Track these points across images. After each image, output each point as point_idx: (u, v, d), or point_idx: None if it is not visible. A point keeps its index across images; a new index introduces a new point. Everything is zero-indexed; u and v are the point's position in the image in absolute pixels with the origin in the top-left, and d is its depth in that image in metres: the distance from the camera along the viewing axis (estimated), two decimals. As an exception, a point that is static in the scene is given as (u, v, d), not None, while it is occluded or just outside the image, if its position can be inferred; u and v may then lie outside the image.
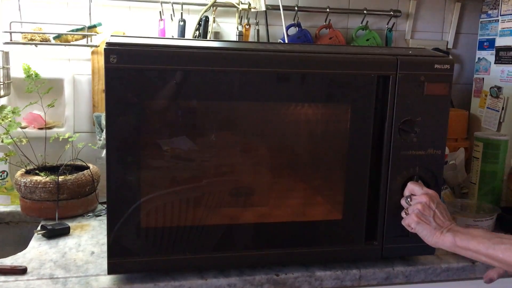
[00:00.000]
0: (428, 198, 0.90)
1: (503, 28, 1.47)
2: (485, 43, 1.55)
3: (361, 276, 0.97)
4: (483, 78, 1.56)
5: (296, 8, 1.50)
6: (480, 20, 1.58)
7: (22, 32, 1.32)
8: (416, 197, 0.92)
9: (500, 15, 1.48)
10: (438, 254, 1.05)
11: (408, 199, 0.93)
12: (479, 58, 1.58)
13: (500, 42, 1.48)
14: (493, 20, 1.51)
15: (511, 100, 1.44)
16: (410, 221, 0.90)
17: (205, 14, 1.43)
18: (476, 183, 1.31)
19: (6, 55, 1.28)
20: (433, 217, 0.89)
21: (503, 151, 1.28)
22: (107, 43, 0.82)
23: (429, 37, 1.67)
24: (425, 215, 0.89)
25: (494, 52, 1.51)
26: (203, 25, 1.43)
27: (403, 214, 0.93)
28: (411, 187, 0.94)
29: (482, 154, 1.29)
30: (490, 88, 1.51)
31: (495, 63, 1.50)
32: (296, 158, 0.98)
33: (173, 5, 1.41)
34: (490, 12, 1.53)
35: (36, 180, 1.17)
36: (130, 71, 0.83)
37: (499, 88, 1.48)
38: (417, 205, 0.90)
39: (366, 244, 0.98)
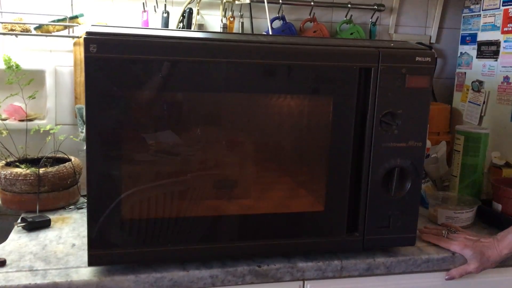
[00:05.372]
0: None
1: (485, 23, 1.48)
2: (467, 38, 1.57)
3: (342, 267, 0.98)
4: (465, 73, 1.57)
5: (280, 1, 1.49)
6: (463, 15, 1.59)
7: (2, 22, 1.30)
8: None
9: (482, 10, 1.49)
10: (418, 245, 1.06)
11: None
12: (461, 52, 1.60)
13: (481, 36, 1.50)
14: (475, 15, 1.53)
15: (492, 94, 1.45)
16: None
17: (189, 6, 1.42)
18: (457, 176, 1.32)
19: (-15, 45, 1.26)
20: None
21: (484, 145, 1.29)
22: (87, 32, 0.81)
23: (413, 32, 1.69)
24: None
25: (476, 46, 1.52)
26: (187, 17, 1.42)
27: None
28: None
29: (463, 148, 1.30)
30: (472, 82, 1.52)
31: (477, 57, 1.52)
32: (279, 150, 0.98)
33: (157, -4, 1.40)
34: (472, 7, 1.54)
35: (17, 172, 1.15)
36: (111, 61, 0.82)
37: (481, 82, 1.49)
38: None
39: (347, 236, 0.99)
